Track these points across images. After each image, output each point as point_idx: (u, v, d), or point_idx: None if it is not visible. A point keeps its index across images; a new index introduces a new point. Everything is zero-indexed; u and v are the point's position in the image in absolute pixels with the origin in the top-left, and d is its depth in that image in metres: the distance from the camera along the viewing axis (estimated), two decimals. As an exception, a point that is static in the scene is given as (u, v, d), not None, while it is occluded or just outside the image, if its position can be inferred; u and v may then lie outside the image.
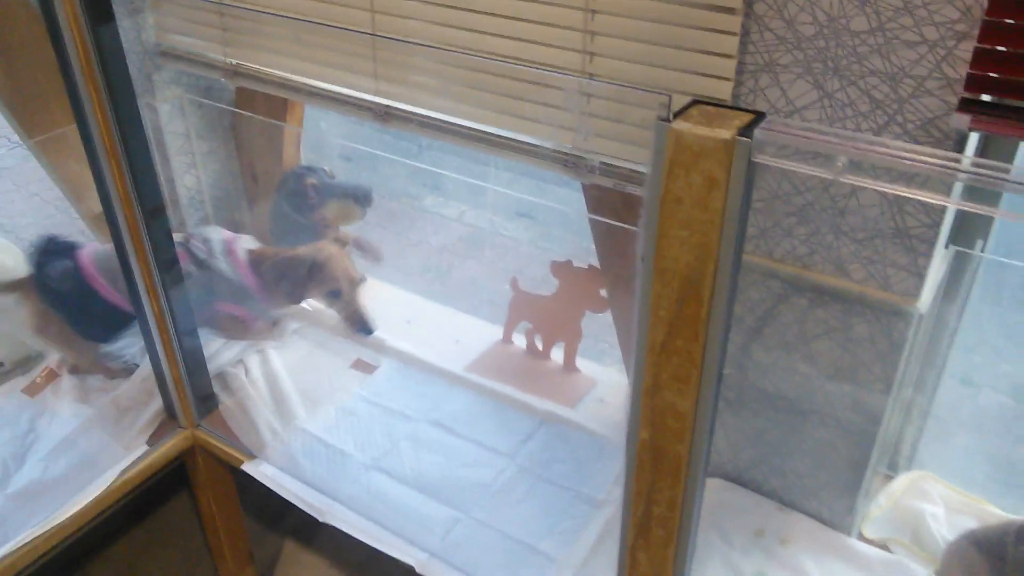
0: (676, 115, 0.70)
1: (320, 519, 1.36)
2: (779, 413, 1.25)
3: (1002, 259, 1.19)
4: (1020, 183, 0.67)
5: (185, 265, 1.52)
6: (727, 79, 1.07)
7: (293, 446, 1.49)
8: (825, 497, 1.28)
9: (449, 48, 1.28)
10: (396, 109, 1.41)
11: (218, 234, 1.60)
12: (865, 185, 1.00)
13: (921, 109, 0.96)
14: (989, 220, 1.15)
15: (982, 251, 1.18)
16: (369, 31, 1.35)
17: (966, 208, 1.10)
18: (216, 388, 1.61)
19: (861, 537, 1.28)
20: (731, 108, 0.72)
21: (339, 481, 1.42)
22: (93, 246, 1.61)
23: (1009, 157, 1.08)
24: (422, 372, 1.67)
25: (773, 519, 1.30)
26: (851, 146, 0.71)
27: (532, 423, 1.54)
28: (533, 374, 1.66)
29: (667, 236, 0.73)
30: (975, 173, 0.69)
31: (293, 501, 1.39)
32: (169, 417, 1.58)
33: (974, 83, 0.91)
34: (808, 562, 1.23)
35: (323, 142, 2.05)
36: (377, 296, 1.86)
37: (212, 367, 1.61)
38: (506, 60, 1.23)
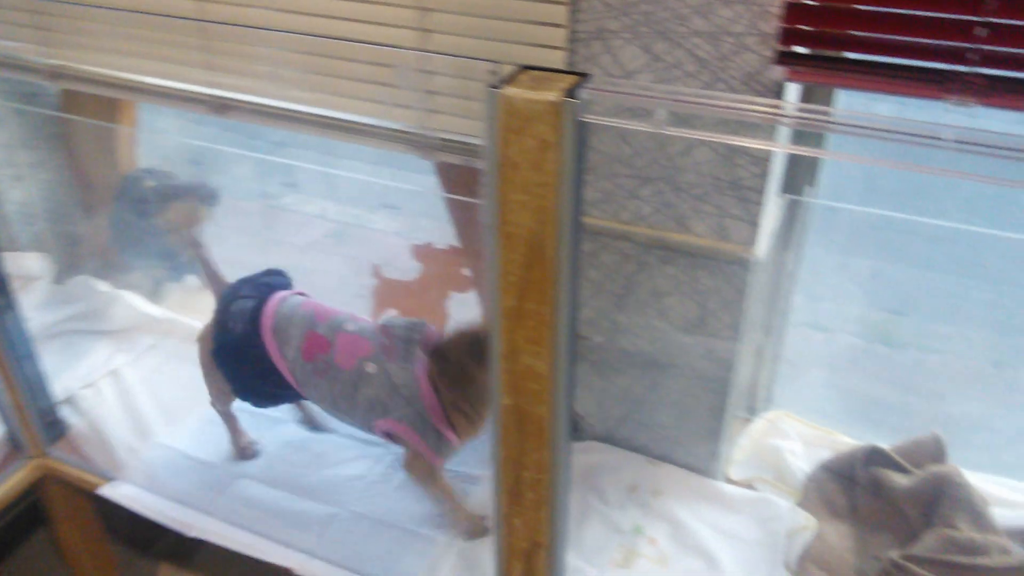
0: (505, 82, 0.71)
1: (189, 534, 1.30)
2: (640, 370, 1.29)
3: (831, 203, 1.27)
4: (840, 123, 0.71)
5: (364, 359, 1.21)
6: (560, 48, 1.08)
7: (153, 463, 1.41)
8: (690, 446, 1.33)
9: (279, 30, 1.24)
10: (233, 100, 1.35)
11: (424, 330, 1.22)
12: (687, 136, 1.05)
13: (743, 65, 1.01)
14: (815, 166, 1.22)
15: (812, 197, 1.25)
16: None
17: (787, 151, 1.16)
18: (65, 412, 1.51)
19: (728, 480, 1.34)
20: (557, 72, 0.73)
21: (206, 493, 1.36)
22: (285, 296, 1.30)
23: (826, 105, 1.14)
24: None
25: (644, 473, 1.34)
26: (672, 99, 0.74)
27: (406, 410, 1.52)
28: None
29: (508, 201, 0.74)
30: (797, 117, 0.73)
31: (157, 519, 1.32)
32: (13, 448, 1.47)
33: (787, 36, 0.96)
34: (681, 510, 1.28)
35: (167, 147, 1.95)
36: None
37: (59, 390, 1.51)
38: (340, 41, 1.21)
